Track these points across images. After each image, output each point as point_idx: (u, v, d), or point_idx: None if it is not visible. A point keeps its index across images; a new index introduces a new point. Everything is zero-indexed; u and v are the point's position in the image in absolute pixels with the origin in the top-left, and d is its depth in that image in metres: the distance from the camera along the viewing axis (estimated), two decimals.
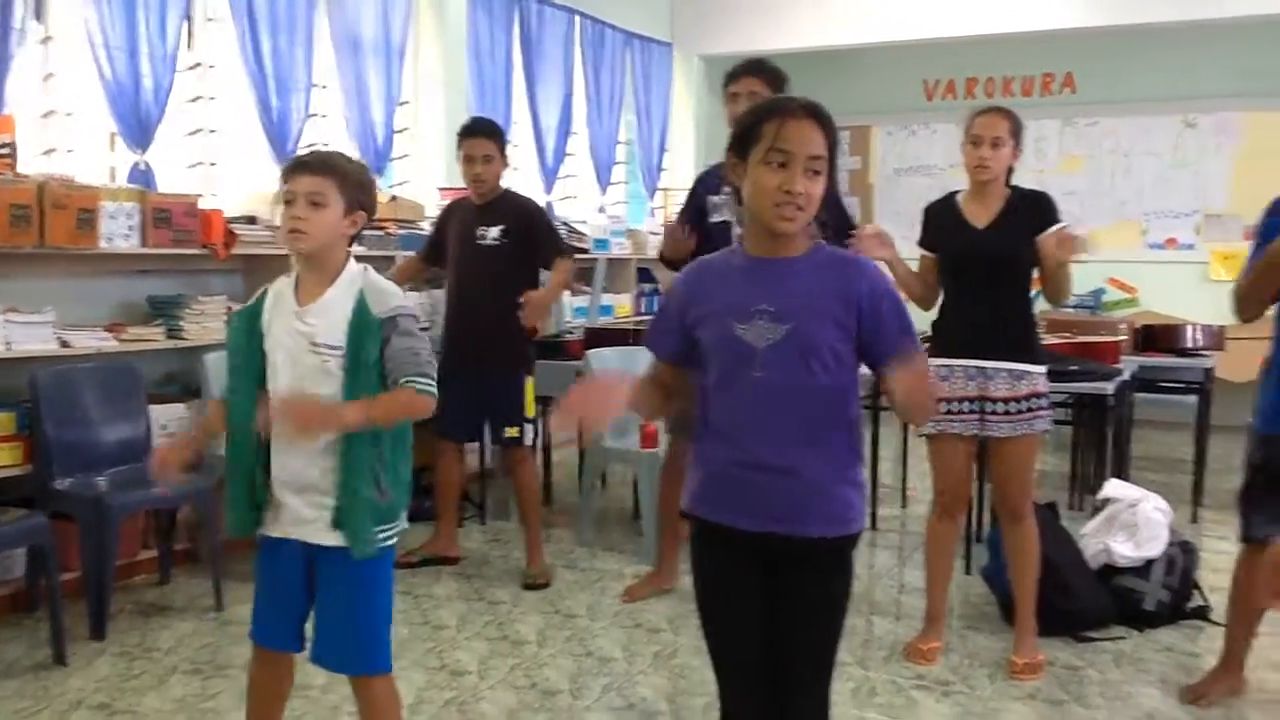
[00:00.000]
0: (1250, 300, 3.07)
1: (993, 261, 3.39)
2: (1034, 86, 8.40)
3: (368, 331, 2.28)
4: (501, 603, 4.14)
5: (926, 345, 3.56)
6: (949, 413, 3.42)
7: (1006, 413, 3.39)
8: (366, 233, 5.16)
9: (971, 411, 3.43)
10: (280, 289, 2.39)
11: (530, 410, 4.47)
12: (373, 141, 5.82)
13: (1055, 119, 8.26)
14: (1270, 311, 3.14)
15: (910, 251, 3.55)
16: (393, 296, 2.35)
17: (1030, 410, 3.40)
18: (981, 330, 3.41)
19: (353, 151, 5.67)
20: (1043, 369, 3.46)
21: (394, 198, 5.64)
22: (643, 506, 4.87)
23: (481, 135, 4.34)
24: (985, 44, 8.08)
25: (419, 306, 5.07)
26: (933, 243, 3.54)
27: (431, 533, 4.63)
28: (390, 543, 2.38)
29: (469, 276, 4.40)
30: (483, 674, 3.46)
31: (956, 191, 3.55)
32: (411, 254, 4.89)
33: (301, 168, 2.34)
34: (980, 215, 3.43)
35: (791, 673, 2.06)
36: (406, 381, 2.27)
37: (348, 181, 2.33)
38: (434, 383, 2.32)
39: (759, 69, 3.84)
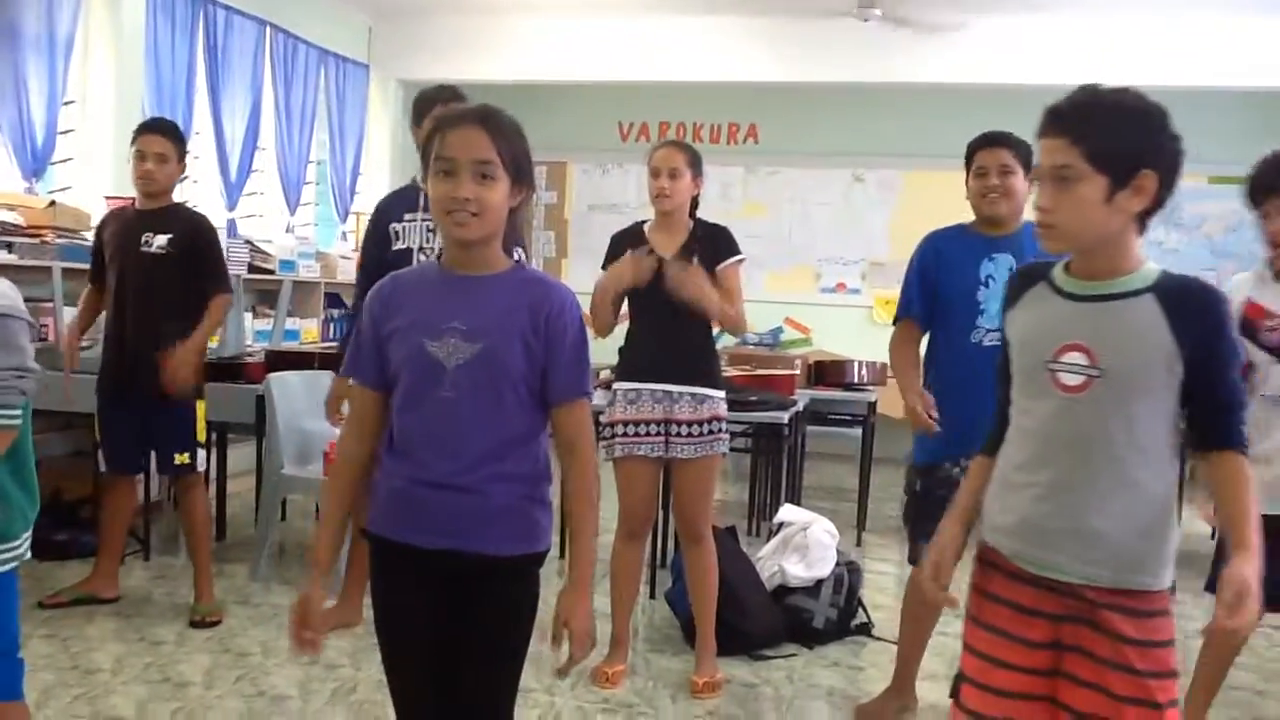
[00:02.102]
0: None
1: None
2: (721, 134, 8.83)
3: None
4: (165, 643, 3.82)
5: (615, 372, 3.65)
6: (636, 435, 3.49)
7: (690, 435, 3.49)
8: (20, 240, 4.77)
9: (657, 434, 3.51)
10: None
11: (201, 434, 4.16)
12: (30, 141, 5.31)
13: (740, 166, 8.71)
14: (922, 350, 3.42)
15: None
16: None
17: (712, 433, 3.51)
18: (666, 355, 3.52)
19: (4, 151, 5.17)
20: (722, 394, 3.59)
21: (53, 203, 5.15)
22: None
23: (157, 132, 4.02)
24: (677, 91, 8.43)
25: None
26: None
27: (88, 571, 4.22)
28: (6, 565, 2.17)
29: (129, 289, 4.01)
30: None
31: (644, 221, 3.65)
32: (89, 287, 4.22)
33: None
34: (666, 245, 3.54)
35: (474, 696, 2.00)
36: None
37: None
38: (12, 411, 2.09)
39: (450, 97, 3.75)
